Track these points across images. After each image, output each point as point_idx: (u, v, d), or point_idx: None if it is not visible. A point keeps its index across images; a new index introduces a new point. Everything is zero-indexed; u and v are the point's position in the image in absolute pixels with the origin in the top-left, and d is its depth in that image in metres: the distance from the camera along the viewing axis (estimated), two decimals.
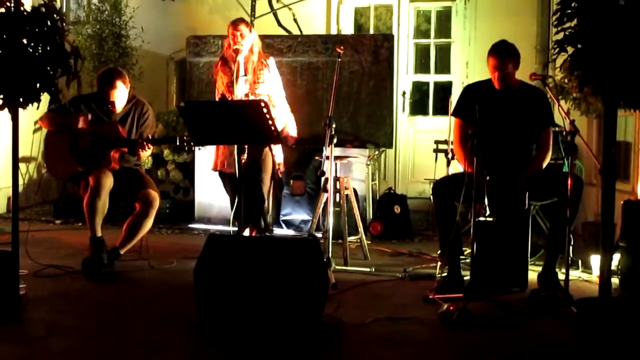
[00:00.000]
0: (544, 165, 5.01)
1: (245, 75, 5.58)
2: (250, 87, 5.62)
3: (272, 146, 5.60)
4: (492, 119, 4.84)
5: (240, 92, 5.54)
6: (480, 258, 4.56)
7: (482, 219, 4.58)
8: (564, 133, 4.59)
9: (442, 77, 8.82)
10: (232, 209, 5.27)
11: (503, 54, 4.92)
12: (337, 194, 5.73)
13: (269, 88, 5.71)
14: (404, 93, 8.66)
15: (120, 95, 5.32)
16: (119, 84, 5.30)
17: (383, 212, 7.07)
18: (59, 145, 5.28)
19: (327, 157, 5.22)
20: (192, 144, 5.17)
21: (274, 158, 5.67)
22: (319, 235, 6.12)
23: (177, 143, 5.29)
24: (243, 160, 4.77)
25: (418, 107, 8.91)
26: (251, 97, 5.55)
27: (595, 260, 5.19)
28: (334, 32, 8.72)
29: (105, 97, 5.31)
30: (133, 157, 5.35)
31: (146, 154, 5.34)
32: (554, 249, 4.85)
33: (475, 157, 4.42)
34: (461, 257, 5.06)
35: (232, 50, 5.57)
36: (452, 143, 5.97)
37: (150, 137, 5.28)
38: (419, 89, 8.98)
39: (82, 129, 5.19)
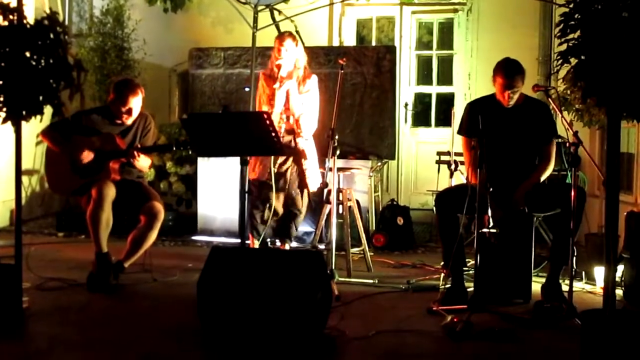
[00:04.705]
0: (543, 178, 5.00)
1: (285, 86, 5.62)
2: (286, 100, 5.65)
3: (303, 161, 5.74)
4: (497, 134, 4.82)
5: (279, 104, 5.59)
6: (483, 270, 4.55)
7: (485, 230, 4.57)
8: (567, 144, 4.58)
9: (445, 89, 8.81)
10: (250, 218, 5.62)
11: (511, 72, 4.87)
12: (340, 206, 5.72)
13: (304, 106, 5.69)
14: (406, 104, 8.64)
15: (137, 103, 5.35)
16: (139, 92, 5.37)
17: (386, 223, 7.06)
18: (60, 162, 5.30)
19: (330, 169, 5.22)
20: (188, 147, 5.21)
21: (302, 172, 5.77)
22: (322, 247, 6.11)
23: (174, 148, 5.36)
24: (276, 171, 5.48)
25: (420, 118, 8.90)
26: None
27: (598, 271, 5.18)
28: (336, 44, 8.72)
29: (122, 103, 5.30)
30: (132, 168, 5.34)
31: (140, 164, 5.28)
32: (557, 261, 4.85)
33: (478, 168, 4.41)
34: (464, 268, 5.06)
35: (274, 65, 5.64)
36: (454, 154, 5.97)
37: (140, 146, 5.28)
38: (422, 101, 8.97)
39: (82, 145, 5.21)
